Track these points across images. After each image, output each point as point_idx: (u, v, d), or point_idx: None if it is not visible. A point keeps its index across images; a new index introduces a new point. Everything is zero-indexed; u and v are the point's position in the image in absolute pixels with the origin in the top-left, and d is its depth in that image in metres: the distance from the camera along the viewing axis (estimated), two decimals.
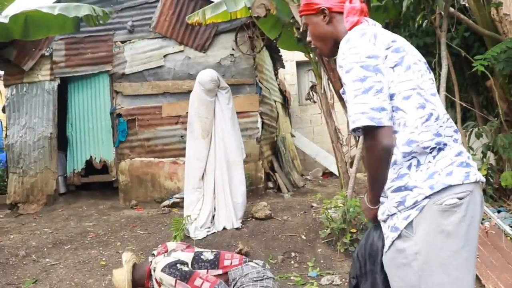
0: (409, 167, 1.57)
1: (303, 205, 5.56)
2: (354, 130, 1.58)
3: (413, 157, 1.57)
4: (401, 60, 1.60)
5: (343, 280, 3.65)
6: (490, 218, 4.41)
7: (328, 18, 1.76)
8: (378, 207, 1.70)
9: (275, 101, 8.29)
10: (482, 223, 4.22)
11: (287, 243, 4.34)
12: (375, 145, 1.52)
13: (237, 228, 4.76)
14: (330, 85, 5.45)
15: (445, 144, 1.59)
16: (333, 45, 1.78)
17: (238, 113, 5.20)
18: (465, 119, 6.48)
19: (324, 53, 1.88)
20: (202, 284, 2.62)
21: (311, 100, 6.51)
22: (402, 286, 1.58)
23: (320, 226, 4.58)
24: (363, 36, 1.61)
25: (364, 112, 1.51)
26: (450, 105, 6.54)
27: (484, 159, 5.18)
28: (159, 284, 2.74)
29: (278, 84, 9.38)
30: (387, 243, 1.62)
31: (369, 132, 1.53)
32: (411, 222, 1.53)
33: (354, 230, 4.06)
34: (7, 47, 7.08)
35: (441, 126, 1.60)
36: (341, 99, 6.00)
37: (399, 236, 1.56)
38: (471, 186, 1.53)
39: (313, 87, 6.25)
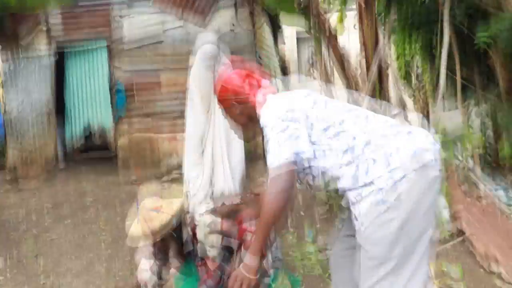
0: (391, 154, 1.72)
1: None
2: (273, 167, 1.73)
3: (388, 146, 1.74)
4: (315, 101, 1.91)
5: None
6: (487, 195, 4.44)
7: (239, 109, 2.03)
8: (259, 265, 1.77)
9: (274, 78, 8.25)
10: (479, 200, 4.26)
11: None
12: (286, 185, 1.70)
13: (235, 193, 4.79)
14: (331, 61, 5.42)
15: (410, 131, 1.81)
16: (252, 128, 2.07)
17: None
18: (466, 96, 6.46)
19: (245, 137, 2.29)
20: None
21: (312, 77, 6.47)
22: (389, 254, 1.68)
23: (319, 202, 4.61)
24: (278, 98, 1.93)
25: (287, 158, 1.70)
26: (450, 82, 6.52)
27: (484, 137, 5.19)
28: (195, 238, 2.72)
29: (277, 51, 9.28)
30: (367, 220, 1.70)
31: (283, 172, 1.70)
32: (399, 194, 1.66)
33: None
34: (3, 21, 6.98)
35: (386, 120, 1.88)
36: (342, 75, 5.98)
37: (386, 208, 1.68)
38: (438, 150, 1.76)
39: (313, 64, 6.21)
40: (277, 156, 1.72)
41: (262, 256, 1.81)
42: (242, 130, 2.17)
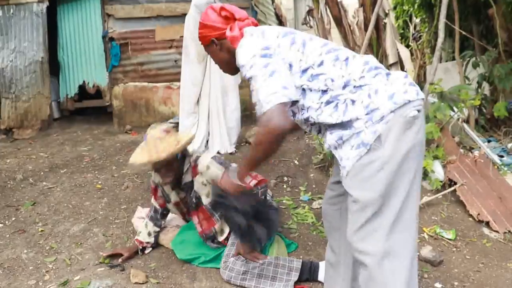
0: (369, 96, 1.73)
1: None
2: (261, 111, 1.69)
3: (367, 88, 1.74)
4: (293, 39, 1.85)
5: None
6: (480, 147, 4.48)
7: (219, 46, 2.02)
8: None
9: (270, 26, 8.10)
10: (471, 152, 4.30)
11: (280, 167, 4.43)
12: (268, 125, 1.65)
13: (231, 153, 4.84)
14: (327, 9, 5.30)
15: (383, 69, 1.80)
16: (234, 63, 1.95)
17: None
18: (464, 48, 6.40)
19: (231, 73, 2.15)
20: (250, 181, 2.65)
21: (308, 25, 6.36)
22: (369, 197, 1.71)
23: (313, 152, 4.65)
24: (251, 36, 1.87)
25: (275, 92, 1.66)
26: (449, 33, 6.43)
27: (479, 89, 5.18)
28: (195, 171, 2.74)
29: (274, 9, 9.11)
30: (350, 162, 1.74)
31: (272, 113, 1.65)
32: (379, 136, 1.67)
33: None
34: None
35: (362, 58, 1.83)
36: (338, 25, 5.88)
37: (368, 151, 1.70)
38: (421, 101, 1.73)
39: (309, 12, 6.09)
40: (266, 94, 1.67)
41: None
42: (228, 67, 2.11)
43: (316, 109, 1.82)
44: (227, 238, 2.81)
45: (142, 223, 3.06)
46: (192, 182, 2.77)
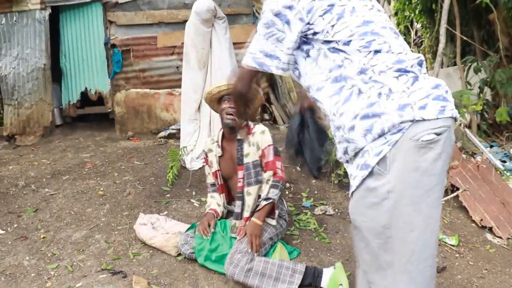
0: (379, 95, 1.49)
1: None
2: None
3: (381, 85, 1.49)
4: (330, 7, 1.57)
5: (336, 210, 3.76)
6: (482, 152, 4.47)
7: None
8: None
9: None
10: (474, 157, 4.29)
11: None
12: (235, 82, 1.77)
13: None
14: None
15: (415, 74, 1.51)
16: None
17: (234, 43, 5.09)
18: (465, 53, 6.41)
19: None
20: (280, 168, 2.93)
21: None
22: (372, 226, 1.51)
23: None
24: None
25: (254, 53, 1.63)
26: (450, 38, 6.44)
27: (481, 94, 5.18)
28: (250, 130, 3.00)
29: None
30: (355, 183, 1.55)
31: (245, 70, 1.69)
32: (384, 159, 1.45)
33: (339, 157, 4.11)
34: None
35: (399, 55, 1.53)
36: None
37: (371, 174, 1.49)
38: (448, 121, 1.45)
39: None
40: (248, 53, 1.66)
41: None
42: None
43: (320, 81, 1.62)
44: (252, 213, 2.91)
45: (208, 197, 3.24)
46: (243, 140, 2.99)
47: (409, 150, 1.43)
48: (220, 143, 3.12)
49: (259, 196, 2.97)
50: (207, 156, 3.20)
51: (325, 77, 1.59)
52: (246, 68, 1.68)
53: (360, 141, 1.51)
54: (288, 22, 1.59)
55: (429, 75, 1.58)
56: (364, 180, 1.51)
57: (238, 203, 3.02)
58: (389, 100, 1.47)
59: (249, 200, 2.97)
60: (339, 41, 1.55)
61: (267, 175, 2.92)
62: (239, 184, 3.01)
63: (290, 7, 1.58)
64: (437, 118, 1.43)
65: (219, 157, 3.14)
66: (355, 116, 1.51)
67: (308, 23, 1.59)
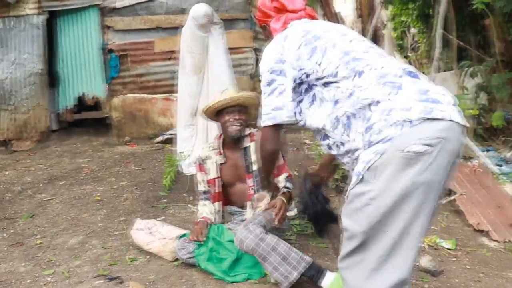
0: (369, 108, 1.58)
1: (295, 142, 5.62)
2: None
3: (369, 101, 1.58)
4: (314, 49, 1.76)
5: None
6: (478, 156, 4.49)
7: (269, 32, 2.06)
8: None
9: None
10: (470, 161, 4.31)
11: None
12: (265, 144, 1.93)
13: None
14: (325, 19, 5.33)
15: (399, 83, 1.56)
16: None
17: (231, 49, 5.11)
18: (461, 58, 6.43)
19: None
20: (286, 173, 3.02)
21: None
22: (354, 230, 1.56)
23: (312, 163, 4.65)
24: (274, 42, 1.88)
25: (267, 114, 1.81)
26: (446, 43, 6.47)
27: (477, 99, 5.20)
28: (253, 137, 3.05)
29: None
30: (349, 187, 1.62)
31: (266, 132, 1.87)
32: (375, 168, 1.49)
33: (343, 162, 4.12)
34: None
35: (382, 69, 1.63)
36: None
37: (361, 181, 1.54)
38: (444, 132, 1.43)
39: None
40: (262, 116, 1.83)
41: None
42: None
43: (324, 118, 1.75)
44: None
45: (199, 205, 3.19)
46: (248, 147, 3.02)
47: (397, 161, 1.45)
48: (221, 150, 3.10)
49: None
50: (202, 163, 3.16)
51: (326, 115, 1.74)
52: (265, 129, 1.86)
53: (359, 150, 1.62)
54: (283, 73, 1.79)
55: (426, 81, 1.62)
56: (354, 186, 1.57)
57: (248, 210, 3.03)
58: (377, 110, 1.55)
59: (264, 203, 3.04)
60: (329, 75, 1.71)
61: (282, 177, 3.00)
62: (250, 192, 3.03)
63: (280, 61, 1.80)
64: (426, 122, 1.44)
65: (221, 164, 3.14)
66: (363, 136, 1.59)
67: (300, 69, 1.78)
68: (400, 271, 1.51)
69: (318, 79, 1.74)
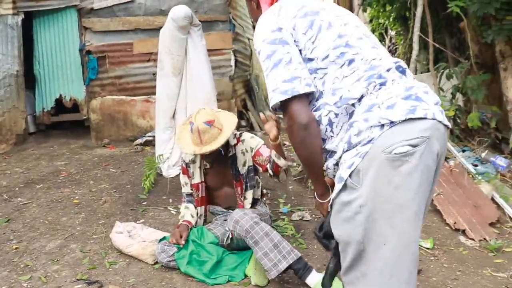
0: (353, 105, 1.50)
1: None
2: (274, 109, 1.61)
3: (352, 101, 1.50)
4: (311, 23, 1.62)
5: (313, 215, 3.79)
6: (455, 156, 4.57)
7: (256, 4, 1.90)
8: (330, 199, 1.61)
9: (248, 39, 8.15)
10: (447, 161, 4.38)
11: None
12: (291, 124, 1.55)
13: None
14: None
15: (385, 79, 1.49)
16: None
17: (210, 50, 5.10)
18: (438, 60, 6.55)
19: None
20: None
21: None
22: (347, 241, 1.48)
23: (292, 164, 4.67)
24: (268, 14, 1.69)
25: (276, 88, 1.54)
26: (423, 46, 6.58)
27: (453, 100, 5.30)
28: (238, 139, 3.02)
29: (253, 22, 9.18)
30: (332, 196, 1.53)
31: (285, 109, 1.55)
32: (358, 172, 1.41)
33: (324, 169, 4.15)
34: None
35: (373, 61, 1.54)
36: None
37: (345, 187, 1.46)
38: (427, 131, 1.38)
39: None
40: (272, 93, 1.56)
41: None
42: None
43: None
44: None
45: (181, 207, 3.19)
46: (235, 154, 2.99)
47: (382, 163, 1.37)
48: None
49: (253, 201, 3.08)
50: (187, 167, 3.13)
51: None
52: (284, 107, 1.56)
53: (337, 150, 1.53)
54: (284, 42, 1.59)
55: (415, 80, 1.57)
56: (339, 193, 1.48)
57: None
58: (360, 106, 1.48)
59: (246, 205, 3.05)
60: (317, 57, 1.58)
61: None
62: (240, 202, 3.08)
63: (278, 29, 1.61)
64: (408, 122, 1.37)
65: (206, 169, 3.12)
66: (343, 133, 1.52)
67: (295, 41, 1.61)
68: (406, 284, 1.43)
69: (308, 59, 1.59)
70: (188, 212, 3.12)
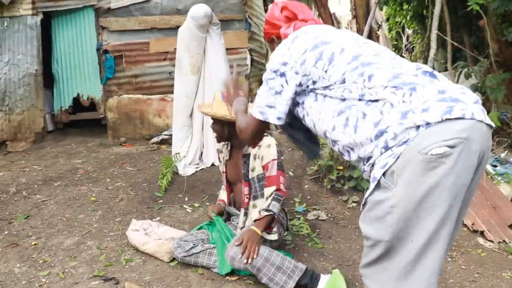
0: (382, 113, 1.50)
1: (291, 142, 5.61)
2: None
3: (382, 103, 1.51)
4: (320, 55, 1.69)
5: (329, 215, 3.77)
6: None
7: (277, 44, 1.93)
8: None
9: (264, 38, 8.15)
10: None
11: None
12: (243, 135, 1.92)
13: None
14: (321, 21, 5.34)
15: (413, 85, 1.48)
16: None
17: (226, 49, 5.10)
18: (456, 59, 6.47)
19: None
20: (283, 183, 2.89)
21: None
22: (376, 239, 1.50)
23: (308, 163, 4.65)
24: (283, 43, 1.83)
25: (259, 106, 1.80)
26: (441, 44, 6.50)
27: None
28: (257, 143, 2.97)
29: None
30: (366, 194, 1.56)
31: (252, 122, 1.86)
32: (392, 173, 1.42)
33: (341, 167, 4.14)
34: None
35: (393, 69, 1.55)
36: None
37: (378, 187, 1.48)
38: (465, 132, 1.34)
39: None
40: (255, 106, 1.82)
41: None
42: None
43: (331, 120, 1.67)
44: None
45: (221, 188, 3.32)
46: (249, 155, 2.98)
47: (417, 164, 1.36)
48: (229, 147, 3.16)
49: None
50: (219, 154, 3.32)
51: (332, 115, 1.67)
52: (252, 118, 1.85)
53: (374, 154, 1.53)
54: (284, 76, 1.74)
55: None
56: (372, 192, 1.50)
57: (242, 218, 3.00)
58: (392, 113, 1.46)
59: (255, 213, 2.94)
60: (335, 82, 1.65)
61: (269, 190, 2.84)
62: (245, 200, 3.00)
63: (284, 64, 1.75)
64: (445, 122, 1.35)
65: (226, 160, 3.17)
66: (371, 141, 1.52)
67: (305, 75, 1.72)
68: (426, 282, 1.44)
69: (325, 87, 1.69)
70: (224, 193, 3.27)
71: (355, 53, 1.64)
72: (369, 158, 1.57)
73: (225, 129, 3.00)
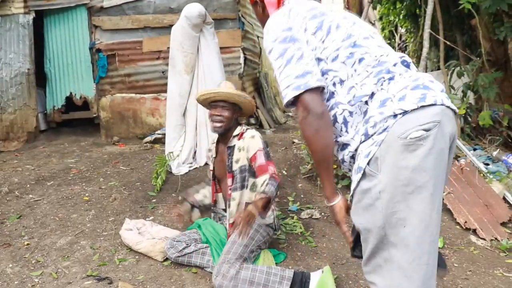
0: (366, 103, 1.57)
1: (284, 141, 5.62)
2: (287, 105, 1.64)
3: (366, 97, 1.56)
4: (320, 24, 1.68)
5: (323, 214, 3.78)
6: (466, 155, 4.53)
7: (261, 8, 1.96)
8: (339, 200, 1.66)
9: (257, 37, 8.14)
10: (457, 160, 4.35)
11: None
12: (305, 116, 1.57)
13: None
14: None
15: (393, 74, 1.56)
16: None
17: (219, 48, 5.10)
18: (448, 58, 6.50)
19: None
20: (273, 173, 2.81)
21: None
22: (369, 228, 1.51)
23: (301, 162, 4.66)
24: (277, 15, 1.74)
25: (290, 85, 1.59)
26: (434, 43, 6.53)
27: (464, 98, 5.25)
28: (241, 136, 3.00)
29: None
30: (352, 187, 1.56)
31: (299, 103, 1.59)
32: (375, 160, 1.47)
33: (334, 166, 4.14)
34: None
35: (381, 57, 1.60)
36: None
37: (364, 176, 1.51)
38: (438, 116, 1.44)
39: None
40: (284, 90, 1.60)
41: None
42: None
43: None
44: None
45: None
46: (234, 146, 2.98)
47: (398, 149, 1.43)
48: (215, 145, 3.18)
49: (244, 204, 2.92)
50: (208, 153, 3.36)
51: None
52: (297, 103, 1.60)
53: (352, 142, 1.59)
54: (295, 39, 1.65)
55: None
56: (359, 183, 1.53)
57: (228, 210, 2.99)
58: (373, 102, 1.55)
59: (233, 206, 2.93)
60: (327, 58, 1.64)
61: (262, 178, 2.78)
62: (229, 192, 2.98)
63: (289, 29, 1.67)
64: (420, 109, 1.44)
65: (214, 158, 3.19)
66: (359, 129, 1.58)
67: (306, 41, 1.67)
68: (426, 266, 1.47)
69: (318, 59, 1.65)
70: (202, 191, 3.28)
71: (349, 32, 1.66)
72: (346, 145, 1.62)
73: (236, 110, 3.04)
